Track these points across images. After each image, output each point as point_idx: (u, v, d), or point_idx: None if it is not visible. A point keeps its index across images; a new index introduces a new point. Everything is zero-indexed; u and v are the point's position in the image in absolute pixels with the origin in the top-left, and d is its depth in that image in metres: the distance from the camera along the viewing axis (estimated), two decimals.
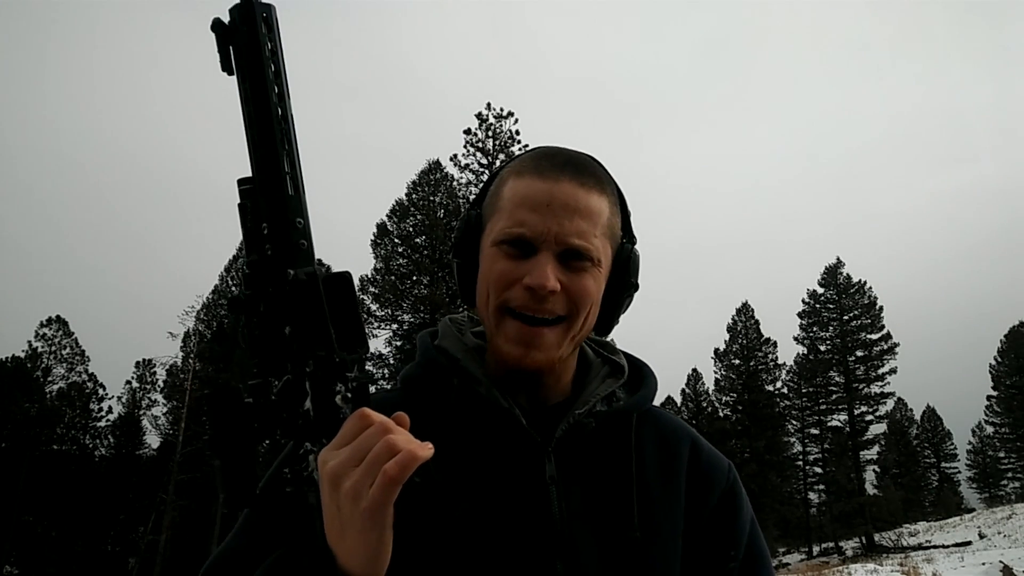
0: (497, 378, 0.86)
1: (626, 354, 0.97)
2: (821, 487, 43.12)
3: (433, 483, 0.74)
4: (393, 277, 32.51)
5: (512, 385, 0.85)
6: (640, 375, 0.94)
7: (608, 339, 0.99)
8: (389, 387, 0.98)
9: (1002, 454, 56.21)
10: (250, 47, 0.67)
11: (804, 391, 43.68)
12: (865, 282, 42.91)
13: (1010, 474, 55.82)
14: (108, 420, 39.00)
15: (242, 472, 0.66)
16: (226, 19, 0.67)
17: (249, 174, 0.68)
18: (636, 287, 0.90)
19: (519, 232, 0.80)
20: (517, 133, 31.76)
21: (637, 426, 0.90)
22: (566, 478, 0.83)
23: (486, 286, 0.83)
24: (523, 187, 0.82)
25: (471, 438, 0.83)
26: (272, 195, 0.67)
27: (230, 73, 0.70)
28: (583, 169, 0.84)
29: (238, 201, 0.68)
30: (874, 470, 42.94)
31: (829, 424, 43.12)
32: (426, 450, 0.56)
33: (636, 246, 0.90)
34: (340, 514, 0.57)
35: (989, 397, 54.67)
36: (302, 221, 0.68)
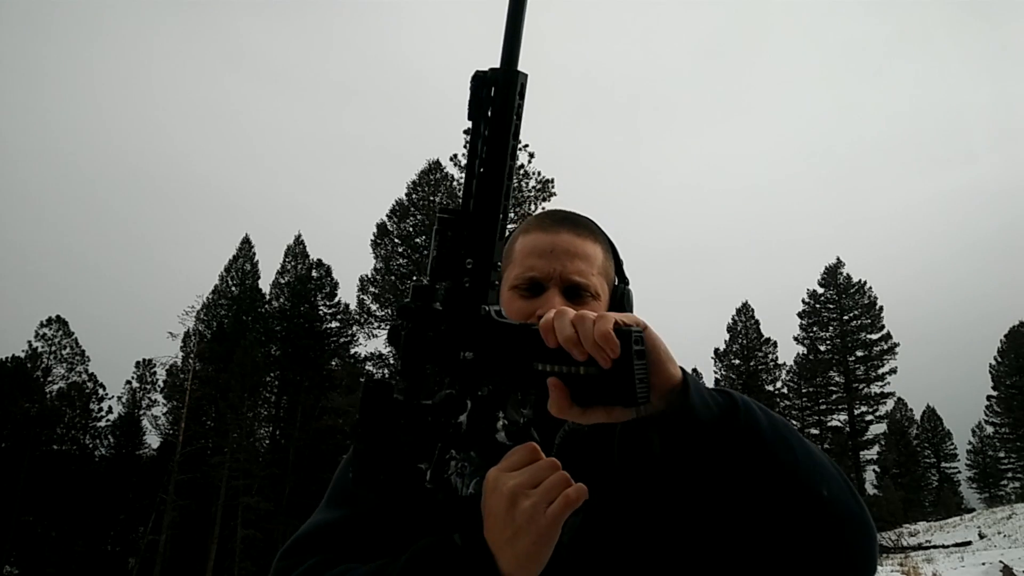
0: None
1: None
2: None
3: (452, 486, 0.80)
4: (393, 277, 32.51)
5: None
6: None
7: None
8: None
9: (1002, 454, 56.17)
10: (503, 107, 0.78)
11: (804, 391, 43.69)
12: (865, 282, 42.96)
13: (1010, 474, 55.77)
14: (108, 420, 39.02)
15: (376, 456, 0.74)
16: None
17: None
18: None
19: (529, 275, 0.98)
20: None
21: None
22: None
23: None
24: (530, 240, 1.01)
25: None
26: (485, 238, 0.77)
27: (474, 120, 0.82)
28: (578, 222, 1.03)
29: (436, 227, 0.80)
30: (874, 470, 42.97)
31: (829, 424, 43.15)
32: (585, 491, 0.70)
33: (629, 287, 1.07)
34: (514, 524, 0.69)
35: (989, 397, 54.65)
36: (500, 266, 0.79)
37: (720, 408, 0.76)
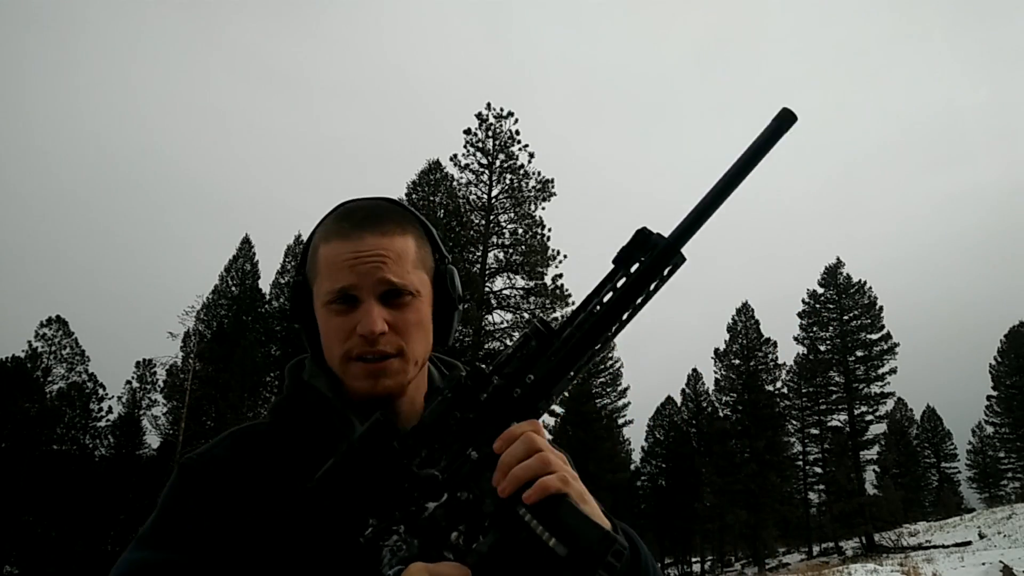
0: (357, 407, 0.95)
1: (463, 367, 1.03)
2: (821, 487, 43.10)
3: (312, 505, 0.81)
4: None
5: (369, 413, 0.89)
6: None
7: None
8: (224, 434, 1.04)
9: (1002, 454, 56.17)
10: (648, 272, 0.74)
11: (804, 391, 43.65)
12: (865, 282, 42.92)
13: (1010, 474, 55.78)
14: (108, 420, 39.00)
15: (345, 486, 0.76)
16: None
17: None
18: (460, 299, 1.03)
19: (339, 287, 0.90)
20: (517, 133, 31.78)
21: None
22: None
23: (328, 342, 0.93)
24: (332, 250, 0.91)
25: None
26: (558, 368, 0.74)
27: (615, 265, 0.76)
28: (381, 218, 0.93)
29: (526, 330, 0.78)
30: (874, 470, 42.92)
31: (829, 424, 43.10)
32: None
33: (449, 263, 1.01)
34: None
35: (989, 397, 54.67)
36: (555, 398, 0.77)
37: (631, 556, 0.80)
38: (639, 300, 0.75)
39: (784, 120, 0.80)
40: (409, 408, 0.96)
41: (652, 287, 0.75)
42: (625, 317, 0.76)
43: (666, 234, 0.75)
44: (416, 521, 0.72)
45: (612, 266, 0.77)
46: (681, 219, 0.77)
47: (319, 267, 0.93)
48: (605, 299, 0.76)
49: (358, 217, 0.93)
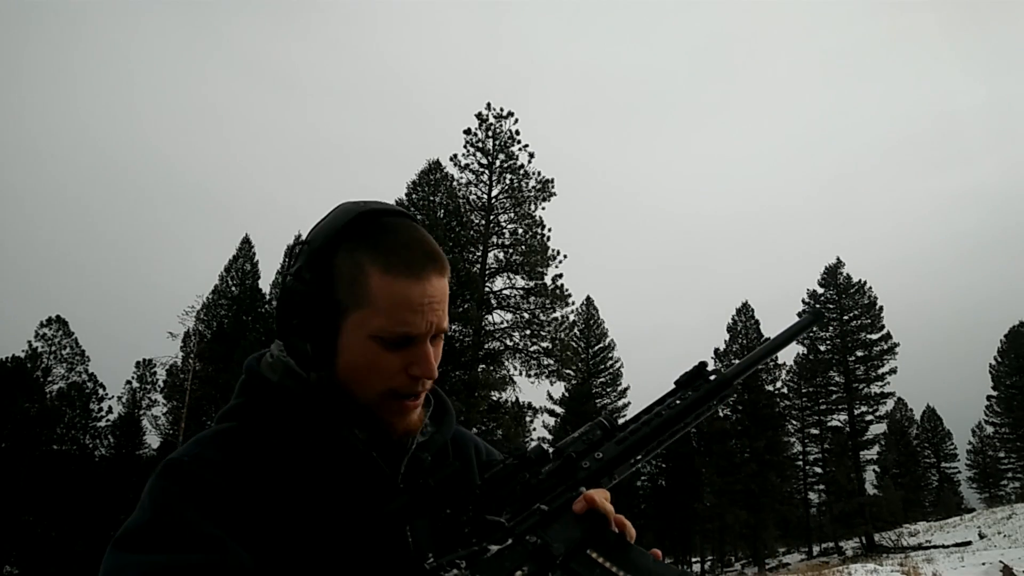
0: (358, 421, 0.93)
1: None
2: (821, 487, 43.10)
3: (295, 518, 0.85)
4: None
5: (351, 421, 0.93)
6: (441, 403, 1.05)
7: None
8: (222, 422, 1.00)
9: (1002, 454, 56.17)
10: (698, 401, 0.97)
11: (804, 391, 43.65)
12: (865, 282, 42.91)
13: (1010, 474, 55.78)
14: (108, 420, 39.02)
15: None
16: None
17: None
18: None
19: (403, 331, 0.87)
20: (517, 133, 31.76)
21: (451, 447, 1.06)
22: None
23: (368, 375, 0.90)
24: (402, 289, 0.87)
25: (323, 474, 0.90)
26: (623, 457, 0.91)
27: (678, 387, 0.99)
28: (440, 257, 0.92)
29: (593, 421, 0.93)
30: (874, 470, 42.93)
31: (829, 424, 43.10)
32: None
33: None
34: None
35: (989, 397, 54.65)
36: (617, 478, 0.92)
37: None
38: (693, 417, 0.95)
39: (818, 317, 1.13)
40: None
41: (704, 409, 0.96)
42: (680, 427, 0.95)
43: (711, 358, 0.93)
44: (479, 558, 0.77)
45: (673, 385, 0.99)
46: (738, 363, 1.04)
47: (372, 299, 0.87)
48: (665, 411, 0.95)
49: (421, 252, 0.90)
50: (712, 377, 1.01)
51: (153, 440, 39.40)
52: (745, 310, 44.80)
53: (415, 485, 0.83)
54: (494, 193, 31.59)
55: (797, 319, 1.16)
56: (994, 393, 54.09)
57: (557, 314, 30.48)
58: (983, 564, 18.71)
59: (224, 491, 0.84)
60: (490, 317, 30.56)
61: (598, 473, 0.88)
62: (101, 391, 38.84)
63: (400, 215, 0.96)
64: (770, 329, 54.77)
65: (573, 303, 32.18)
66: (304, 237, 0.95)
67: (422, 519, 0.89)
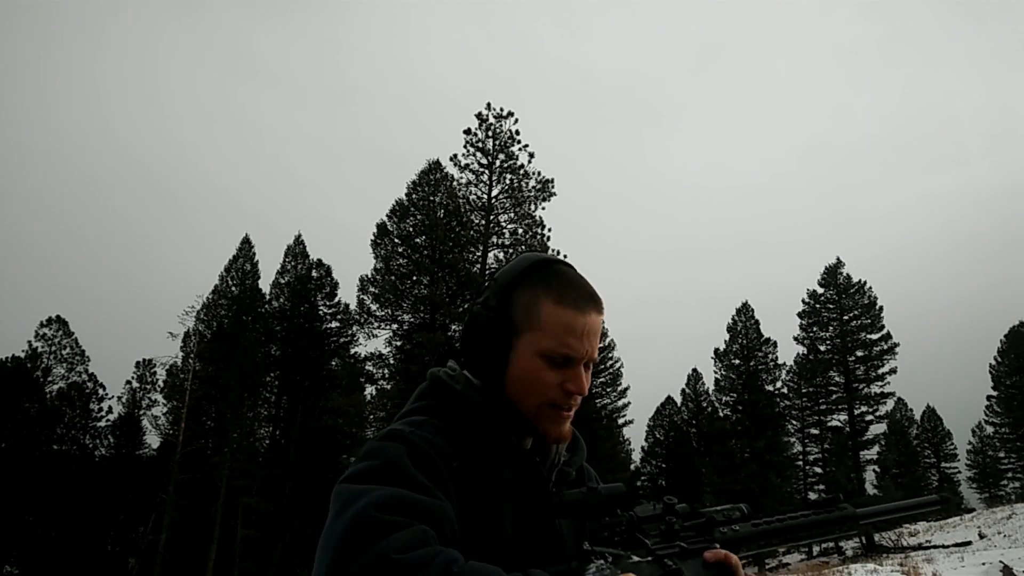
0: (516, 429, 1.12)
1: None
2: (821, 487, 43.05)
3: (476, 501, 1.03)
4: (393, 277, 32.46)
5: (516, 431, 1.13)
6: (576, 437, 1.24)
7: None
8: (415, 419, 1.11)
9: (1002, 454, 56.13)
10: (831, 524, 1.20)
11: (804, 391, 43.61)
12: (865, 282, 42.87)
13: (1010, 474, 55.75)
14: (108, 420, 39.02)
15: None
16: None
17: None
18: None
19: (564, 352, 1.08)
20: (517, 133, 31.75)
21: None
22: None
23: (533, 386, 1.10)
24: (567, 317, 1.08)
25: (496, 470, 1.09)
26: (755, 538, 1.15)
27: (814, 505, 1.24)
28: (597, 300, 1.13)
29: (742, 505, 1.22)
30: (874, 470, 42.88)
31: (829, 424, 43.06)
32: None
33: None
34: None
35: (989, 397, 54.60)
36: (742, 551, 1.11)
37: None
38: (816, 533, 1.17)
39: (944, 501, 1.34)
40: (558, 449, 1.17)
41: (826, 531, 1.17)
42: (805, 535, 1.18)
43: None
44: (623, 559, 0.96)
45: (815, 505, 1.20)
46: (868, 508, 1.22)
47: (543, 323, 1.08)
48: (795, 519, 1.17)
49: (586, 294, 1.11)
50: (843, 508, 1.20)
51: (153, 440, 39.44)
52: (745, 310, 44.78)
53: (588, 488, 1.02)
54: (494, 193, 31.59)
55: (927, 496, 1.36)
56: (994, 393, 54.07)
57: None
58: (983, 564, 18.67)
59: (434, 464, 0.98)
60: None
61: (730, 542, 1.08)
62: (101, 391, 38.87)
63: (568, 265, 1.17)
64: (770, 329, 54.78)
65: None
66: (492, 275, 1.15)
67: (581, 518, 1.06)
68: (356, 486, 0.92)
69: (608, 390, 45.05)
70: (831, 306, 43.13)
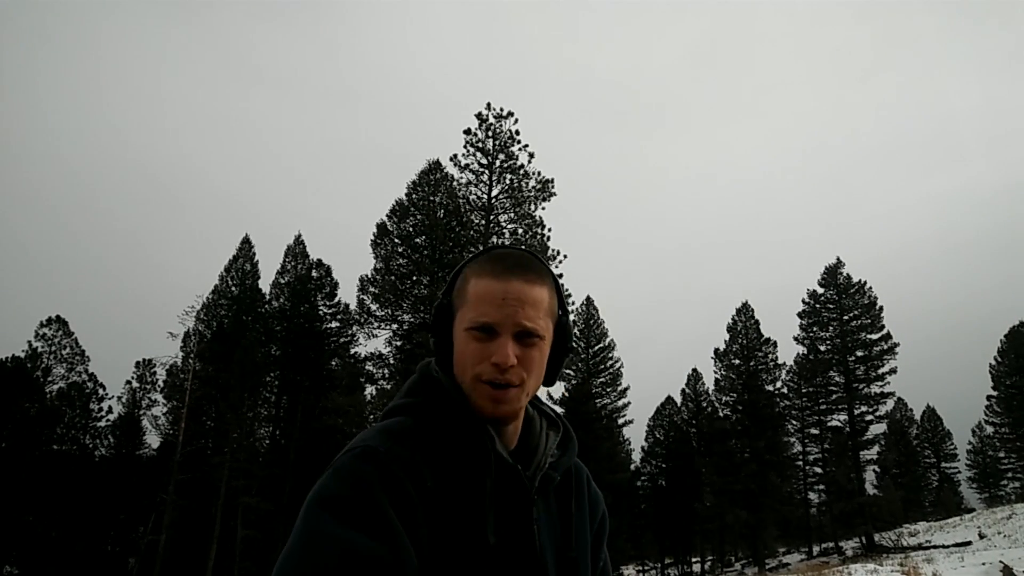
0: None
1: (548, 407, 1.25)
2: (821, 487, 43.07)
3: (454, 513, 0.99)
4: (393, 277, 32.47)
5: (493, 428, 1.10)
6: (568, 434, 1.22)
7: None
8: (390, 418, 1.11)
9: (1002, 454, 56.16)
10: None
11: (804, 391, 43.61)
12: (865, 282, 42.87)
13: (1010, 474, 55.77)
14: (108, 420, 39.02)
15: None
16: None
17: None
18: (572, 350, 1.20)
19: (483, 321, 1.05)
20: (517, 133, 31.74)
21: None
22: (538, 517, 1.11)
23: (462, 361, 1.07)
24: (483, 286, 1.07)
25: (477, 478, 1.05)
26: None
27: None
28: (528, 268, 1.09)
29: None
30: (874, 470, 42.88)
31: (829, 424, 43.06)
32: None
33: (570, 317, 1.19)
34: None
35: (989, 397, 54.62)
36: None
37: None
38: None
39: None
40: (512, 430, 1.13)
41: None
42: None
43: None
44: None
45: None
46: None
47: (468, 297, 1.08)
48: None
49: (510, 263, 1.09)
50: None
51: (153, 440, 39.45)
52: (745, 310, 44.80)
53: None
54: (494, 193, 31.58)
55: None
56: (994, 393, 54.09)
57: None
58: (983, 564, 18.68)
59: (406, 486, 0.96)
60: None
61: None
62: (101, 391, 38.87)
63: (518, 248, 1.15)
64: (770, 329, 54.89)
65: (573, 303, 32.22)
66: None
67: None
68: (322, 519, 0.90)
69: (608, 390, 45.05)
70: (831, 306, 43.13)
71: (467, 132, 31.60)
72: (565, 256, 30.67)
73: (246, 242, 40.91)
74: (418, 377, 1.14)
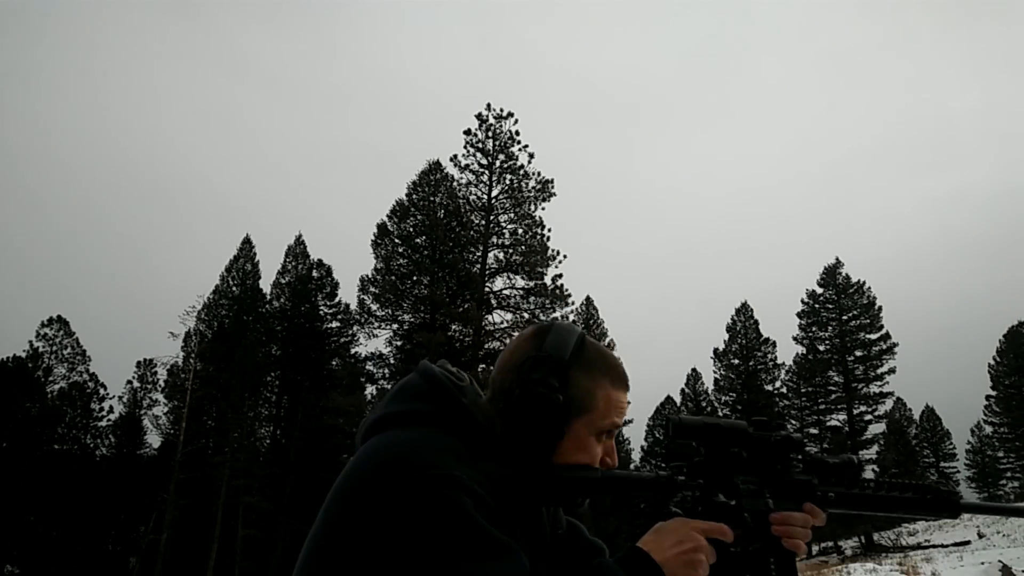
0: None
1: None
2: None
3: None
4: (393, 277, 32.51)
5: None
6: None
7: None
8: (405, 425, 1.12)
9: (1001, 454, 56.18)
10: (926, 505, 1.20)
11: (803, 391, 43.64)
12: (864, 282, 42.92)
13: (1009, 474, 55.78)
14: (109, 420, 39.05)
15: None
16: None
17: None
18: None
19: (613, 428, 1.18)
20: (517, 134, 31.80)
21: None
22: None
23: (580, 458, 1.14)
24: (619, 398, 1.18)
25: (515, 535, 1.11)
26: (847, 501, 1.18)
27: (916, 490, 1.21)
28: None
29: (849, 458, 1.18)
30: (873, 469, 42.84)
31: (828, 424, 43.09)
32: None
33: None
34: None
35: (988, 397, 54.63)
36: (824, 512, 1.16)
37: None
38: (909, 511, 1.18)
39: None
40: None
41: (920, 512, 1.18)
42: (899, 512, 1.19)
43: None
44: (708, 499, 1.12)
45: (913, 482, 1.20)
46: (978, 504, 1.26)
47: (599, 403, 1.15)
48: (895, 492, 1.18)
49: (624, 372, 1.21)
50: (945, 493, 1.21)
51: (154, 440, 39.46)
52: (744, 310, 44.87)
53: (708, 422, 1.16)
54: (494, 193, 31.64)
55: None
56: (993, 393, 54.10)
57: (557, 314, 30.53)
58: (982, 564, 18.72)
59: (490, 504, 1.00)
60: (490, 317, 30.62)
61: (824, 501, 1.15)
62: (102, 391, 38.89)
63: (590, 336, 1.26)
64: (769, 329, 54.90)
65: (573, 303, 32.28)
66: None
67: (703, 442, 1.17)
68: (467, 567, 0.92)
69: None
70: (830, 306, 43.18)
71: (467, 132, 31.66)
72: (565, 256, 30.75)
73: (247, 242, 40.96)
74: (426, 383, 1.13)
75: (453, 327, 30.54)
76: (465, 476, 0.97)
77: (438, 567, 0.91)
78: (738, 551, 1.07)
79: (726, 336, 44.74)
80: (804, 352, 43.72)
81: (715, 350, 44.92)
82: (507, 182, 31.62)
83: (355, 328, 35.43)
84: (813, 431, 43.59)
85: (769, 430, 1.15)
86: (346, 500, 1.00)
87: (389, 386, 30.91)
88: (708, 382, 47.51)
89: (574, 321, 39.21)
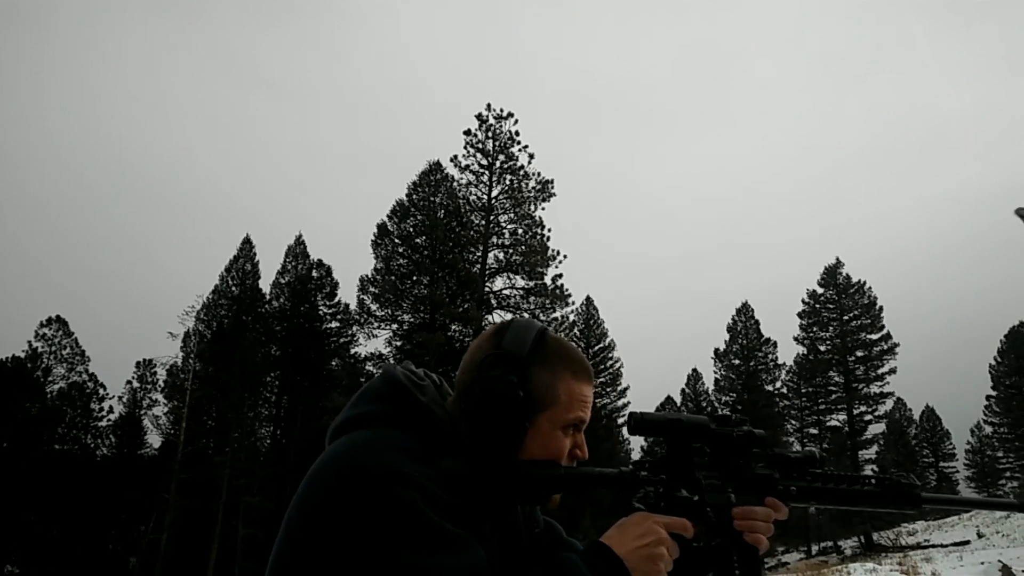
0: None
1: None
2: None
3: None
4: (393, 277, 32.51)
5: None
6: None
7: None
8: (365, 426, 1.17)
9: (1000, 454, 56.16)
10: (885, 497, 1.21)
11: (804, 391, 43.66)
12: (864, 282, 42.92)
13: (1008, 474, 55.76)
14: (109, 420, 39.05)
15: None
16: None
17: None
18: None
19: (579, 421, 1.18)
20: (517, 134, 31.79)
21: None
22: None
23: (547, 453, 1.15)
24: (582, 391, 1.18)
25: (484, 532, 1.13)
26: (811, 494, 1.18)
27: (876, 480, 1.23)
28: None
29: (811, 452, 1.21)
30: (872, 469, 42.82)
31: (828, 424, 43.11)
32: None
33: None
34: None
35: (988, 397, 54.61)
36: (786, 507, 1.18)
37: None
38: (871, 504, 1.19)
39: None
40: None
41: (882, 505, 1.19)
42: (861, 505, 1.20)
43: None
44: (671, 494, 1.13)
45: (875, 474, 1.21)
46: (940, 496, 1.25)
47: (561, 396, 1.15)
48: (857, 486, 1.18)
49: (588, 364, 1.22)
50: (908, 485, 1.21)
51: (154, 440, 39.46)
52: (745, 310, 44.88)
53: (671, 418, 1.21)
54: (494, 194, 31.64)
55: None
56: (993, 393, 54.08)
57: (557, 314, 30.56)
58: (981, 564, 18.72)
59: (443, 499, 1.01)
60: (490, 317, 30.60)
61: (789, 496, 1.15)
62: (102, 391, 38.89)
63: (552, 331, 1.26)
64: (770, 329, 54.89)
65: (573, 303, 32.28)
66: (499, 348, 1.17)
67: (666, 437, 1.22)
68: (416, 559, 0.93)
69: (608, 390, 45.10)
70: (831, 306, 43.18)
71: (467, 133, 31.66)
72: (565, 256, 30.75)
73: (247, 242, 40.95)
74: (385, 386, 1.16)
75: (453, 327, 30.53)
76: (416, 472, 0.99)
77: (385, 561, 0.92)
78: (701, 546, 1.09)
79: (727, 336, 44.78)
80: (805, 352, 43.73)
81: (716, 350, 44.96)
82: (507, 182, 31.63)
83: (355, 328, 35.44)
84: (813, 431, 43.62)
85: (731, 425, 1.16)
86: (302, 504, 1.07)
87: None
88: (708, 382, 47.56)
89: (574, 321, 39.24)
